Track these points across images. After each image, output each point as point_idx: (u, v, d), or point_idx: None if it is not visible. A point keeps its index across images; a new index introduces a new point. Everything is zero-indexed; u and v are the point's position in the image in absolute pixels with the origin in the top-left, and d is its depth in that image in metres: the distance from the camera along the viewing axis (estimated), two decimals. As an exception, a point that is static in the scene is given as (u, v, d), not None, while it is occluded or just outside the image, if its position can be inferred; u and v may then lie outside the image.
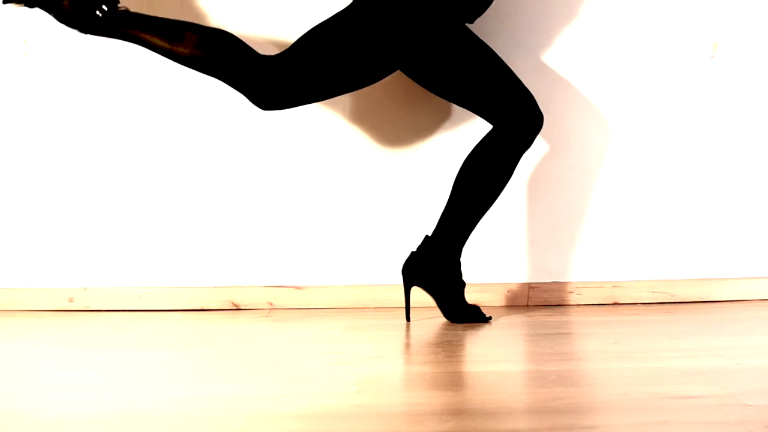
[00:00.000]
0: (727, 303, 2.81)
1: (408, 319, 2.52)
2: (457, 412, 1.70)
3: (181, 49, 2.28)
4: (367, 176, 2.73)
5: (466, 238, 2.45)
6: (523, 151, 2.43)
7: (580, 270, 2.79)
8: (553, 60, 2.74)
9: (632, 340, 2.28)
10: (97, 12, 2.25)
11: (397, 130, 2.72)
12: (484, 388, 1.89)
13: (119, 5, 2.28)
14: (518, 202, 2.76)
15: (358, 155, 2.72)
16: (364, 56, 2.30)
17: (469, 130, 2.70)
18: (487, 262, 2.75)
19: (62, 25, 2.28)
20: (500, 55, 2.66)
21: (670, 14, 2.77)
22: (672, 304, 2.79)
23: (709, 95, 2.80)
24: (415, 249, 2.53)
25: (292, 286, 2.72)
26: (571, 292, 2.78)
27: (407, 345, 2.28)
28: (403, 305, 2.60)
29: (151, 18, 2.28)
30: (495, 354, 2.18)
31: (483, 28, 2.65)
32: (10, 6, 2.33)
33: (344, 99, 2.70)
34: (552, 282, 2.78)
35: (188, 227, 2.70)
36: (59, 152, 2.67)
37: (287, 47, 2.36)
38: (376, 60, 2.32)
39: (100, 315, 2.64)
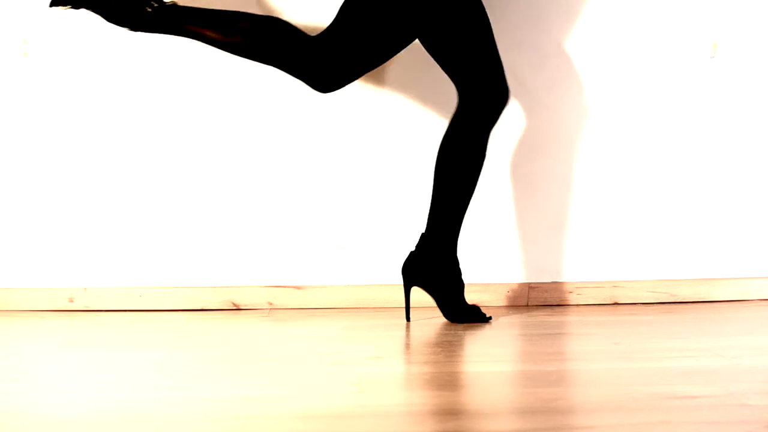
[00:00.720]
0: (727, 303, 2.81)
1: (408, 319, 2.52)
2: (457, 411, 1.70)
3: (235, 40, 2.28)
4: (367, 176, 2.73)
5: (458, 230, 2.43)
6: (489, 128, 2.40)
7: (580, 270, 2.79)
8: (552, 59, 2.74)
9: (632, 340, 2.28)
10: (147, 8, 2.24)
11: (397, 130, 2.72)
12: (484, 388, 1.89)
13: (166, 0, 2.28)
14: (518, 202, 2.76)
15: (358, 155, 2.72)
16: (398, 21, 2.31)
17: (469, 130, 2.71)
18: (487, 262, 2.75)
19: (111, 24, 2.27)
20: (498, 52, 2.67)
21: (670, 14, 2.77)
22: (672, 304, 2.79)
23: (709, 95, 2.80)
24: (413, 248, 2.53)
25: (292, 286, 2.72)
26: (571, 292, 2.78)
27: (407, 345, 2.28)
28: (403, 305, 2.60)
29: (200, 10, 2.27)
30: (495, 354, 2.18)
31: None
32: (57, 9, 2.33)
33: (344, 99, 2.70)
34: (552, 282, 2.78)
35: (188, 227, 2.70)
36: (59, 152, 2.67)
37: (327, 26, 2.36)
38: (408, 22, 2.32)
39: (101, 315, 2.64)
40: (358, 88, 2.69)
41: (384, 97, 2.71)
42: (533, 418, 1.64)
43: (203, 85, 2.67)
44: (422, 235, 2.46)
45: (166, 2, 2.27)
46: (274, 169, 2.71)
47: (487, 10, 2.41)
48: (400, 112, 2.72)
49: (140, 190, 2.69)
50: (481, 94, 2.37)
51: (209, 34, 2.27)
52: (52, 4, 2.26)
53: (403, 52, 2.44)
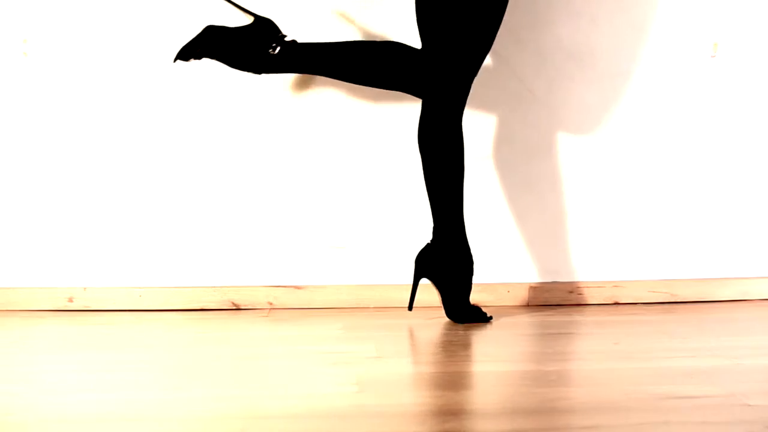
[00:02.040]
0: (728, 303, 2.81)
1: (410, 308, 2.51)
2: (458, 412, 1.70)
3: (359, 71, 2.29)
4: (368, 175, 2.73)
5: (460, 219, 2.41)
6: (446, 111, 2.40)
7: (581, 270, 2.79)
8: (553, 57, 2.74)
9: (633, 340, 2.28)
10: (270, 51, 2.26)
11: (397, 128, 2.72)
12: (485, 388, 1.89)
13: (284, 36, 2.29)
14: (518, 201, 2.76)
15: (358, 154, 2.72)
16: (499, 8, 2.33)
17: (471, 130, 2.70)
18: (488, 262, 2.75)
19: (234, 69, 2.29)
20: (499, 51, 2.67)
21: (671, 13, 2.77)
22: (673, 304, 2.79)
23: (709, 94, 2.80)
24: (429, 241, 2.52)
25: (292, 286, 2.72)
26: (571, 292, 2.78)
27: (408, 345, 2.28)
28: (406, 303, 2.59)
29: (319, 46, 2.29)
30: (496, 354, 2.18)
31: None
32: (180, 62, 2.37)
33: (343, 99, 2.70)
34: (552, 282, 2.78)
35: (188, 227, 2.70)
36: (59, 152, 2.67)
37: (432, 43, 2.35)
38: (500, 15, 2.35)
39: (100, 315, 2.64)
40: (357, 89, 2.69)
41: (384, 95, 2.71)
42: (534, 418, 1.64)
43: (204, 85, 2.67)
44: (433, 228, 2.46)
45: (286, 41, 2.28)
46: (273, 168, 2.71)
47: None
48: (399, 112, 2.72)
49: (140, 189, 2.69)
50: (437, 74, 2.36)
51: (333, 68, 2.30)
52: (176, 59, 2.30)
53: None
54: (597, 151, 2.78)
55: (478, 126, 2.71)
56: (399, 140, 2.72)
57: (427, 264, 2.47)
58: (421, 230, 2.66)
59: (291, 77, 2.68)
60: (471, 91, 2.47)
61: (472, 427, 1.59)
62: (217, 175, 2.70)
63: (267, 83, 2.68)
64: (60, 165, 2.68)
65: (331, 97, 2.68)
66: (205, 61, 2.50)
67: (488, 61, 2.71)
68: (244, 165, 2.71)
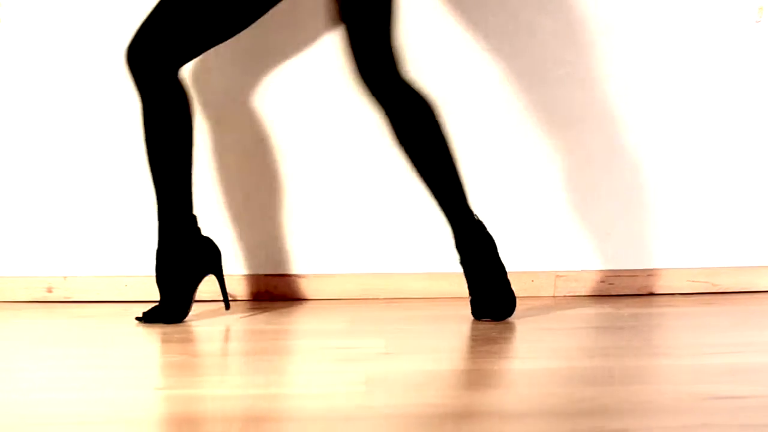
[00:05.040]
0: (774, 293, 2.81)
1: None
2: (476, 413, 1.70)
3: None
4: (376, 150, 2.72)
5: (465, 204, 2.42)
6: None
7: (612, 257, 2.79)
8: (585, 23, 2.73)
9: (669, 335, 2.29)
10: None
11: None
12: (506, 387, 1.89)
13: None
14: (543, 183, 2.75)
15: (365, 131, 2.72)
16: None
17: (470, 111, 2.70)
18: (509, 248, 2.74)
19: None
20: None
21: (713, -27, 2.76)
22: (713, 295, 2.79)
23: (754, 64, 2.78)
24: None
25: (292, 275, 2.73)
26: (602, 282, 2.78)
27: (420, 340, 2.28)
28: (417, 295, 2.59)
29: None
30: (517, 350, 2.19)
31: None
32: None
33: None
34: (581, 270, 2.78)
35: (179, 210, 2.70)
36: (36, 131, 2.67)
37: None
38: None
39: (82, 306, 2.65)
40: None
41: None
42: (559, 421, 1.64)
43: (197, 73, 2.67)
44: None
45: None
46: (271, 145, 2.71)
47: None
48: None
49: (125, 171, 2.69)
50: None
51: None
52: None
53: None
54: (632, 129, 2.77)
55: (481, 107, 2.71)
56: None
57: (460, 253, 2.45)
58: (436, 213, 2.65)
59: (293, 75, 2.68)
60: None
61: (490, 430, 1.59)
62: (207, 155, 2.70)
63: (264, 76, 2.67)
64: (38, 145, 2.68)
65: (340, 82, 2.68)
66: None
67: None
68: (240, 143, 2.70)
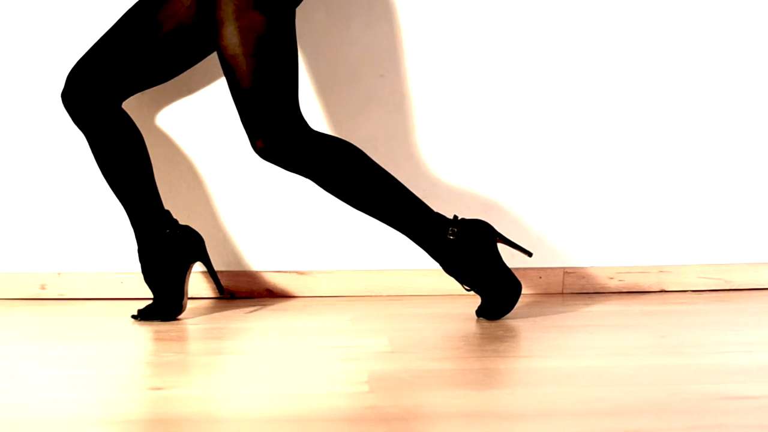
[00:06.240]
0: (790, 290, 2.81)
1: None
2: (482, 414, 1.70)
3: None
4: (378, 147, 2.72)
5: (420, 210, 2.40)
6: None
7: (622, 253, 2.79)
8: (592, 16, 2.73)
9: (681, 333, 2.29)
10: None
11: (415, 97, 2.72)
12: (512, 387, 1.89)
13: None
14: (552, 177, 2.75)
15: (366, 127, 2.72)
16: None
17: (470, 110, 2.70)
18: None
19: None
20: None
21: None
22: (726, 292, 2.79)
23: (769, 53, 2.79)
24: None
25: (293, 272, 2.73)
26: (611, 278, 2.78)
27: (425, 338, 2.28)
28: (423, 293, 2.59)
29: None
30: (524, 348, 2.19)
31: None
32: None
33: (355, 75, 2.70)
34: (590, 266, 2.78)
35: (176, 206, 2.70)
36: (29, 126, 2.67)
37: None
38: None
39: (76, 304, 2.65)
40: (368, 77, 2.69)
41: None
42: (568, 422, 1.64)
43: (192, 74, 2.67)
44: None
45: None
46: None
47: None
48: (416, 84, 2.72)
49: (121, 162, 2.69)
50: None
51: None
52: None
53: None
54: (642, 124, 2.77)
55: (478, 105, 2.71)
56: (414, 109, 2.72)
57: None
58: (441, 207, 2.66)
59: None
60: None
61: (498, 432, 1.60)
62: (207, 150, 2.70)
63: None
64: (30, 141, 2.68)
65: (342, 76, 2.68)
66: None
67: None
68: (235, 139, 2.71)
